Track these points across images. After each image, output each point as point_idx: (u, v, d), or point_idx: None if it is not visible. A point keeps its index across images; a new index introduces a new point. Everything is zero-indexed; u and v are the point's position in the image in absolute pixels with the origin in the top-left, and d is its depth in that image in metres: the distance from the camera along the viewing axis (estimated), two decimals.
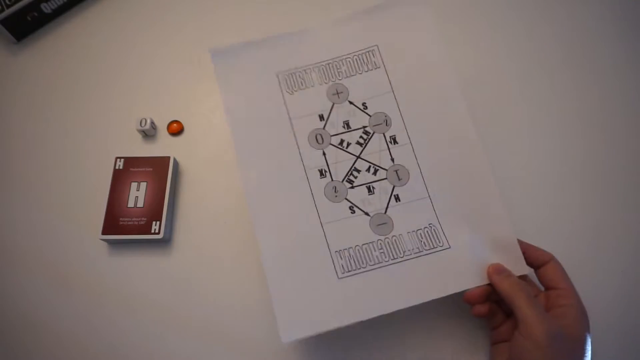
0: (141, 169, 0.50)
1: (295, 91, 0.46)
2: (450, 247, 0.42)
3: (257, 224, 0.42)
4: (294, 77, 0.46)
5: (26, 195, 0.51)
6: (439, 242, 0.42)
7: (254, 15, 0.61)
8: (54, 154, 0.53)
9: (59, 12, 0.61)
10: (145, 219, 0.47)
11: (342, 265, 0.41)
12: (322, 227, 0.42)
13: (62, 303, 0.47)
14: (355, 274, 0.41)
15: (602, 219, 0.49)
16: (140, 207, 0.48)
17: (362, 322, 0.39)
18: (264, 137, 0.45)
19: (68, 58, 0.58)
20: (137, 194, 0.49)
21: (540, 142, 0.52)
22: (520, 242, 0.42)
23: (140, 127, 0.52)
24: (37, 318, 0.46)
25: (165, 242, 0.49)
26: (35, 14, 0.58)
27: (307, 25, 0.47)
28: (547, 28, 0.58)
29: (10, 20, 0.57)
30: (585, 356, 0.37)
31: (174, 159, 0.51)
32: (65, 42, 0.59)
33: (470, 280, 0.41)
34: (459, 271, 0.41)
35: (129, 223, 0.47)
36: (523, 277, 0.41)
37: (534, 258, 0.41)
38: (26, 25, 0.59)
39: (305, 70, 0.46)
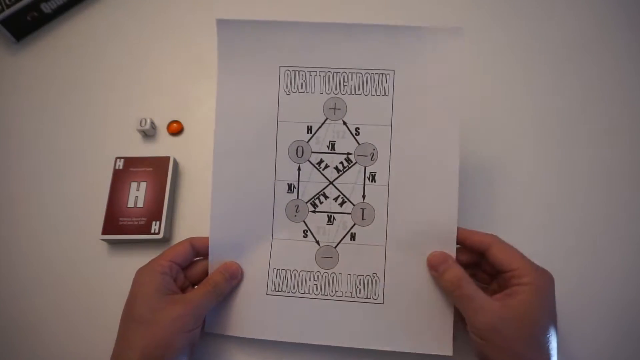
0: (141, 169, 0.50)
1: (293, 92, 0.43)
2: (383, 304, 0.41)
3: (213, 223, 0.43)
4: (297, 77, 0.43)
5: (26, 195, 0.51)
6: (374, 295, 0.41)
7: (259, 14, 0.61)
8: (53, 153, 0.53)
9: (59, 12, 0.61)
10: (145, 219, 0.47)
11: (275, 283, 0.42)
12: (271, 242, 0.43)
13: (62, 303, 0.47)
14: (282, 296, 0.42)
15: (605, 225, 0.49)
16: (140, 207, 0.48)
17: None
18: (246, 131, 0.43)
19: (68, 58, 0.58)
20: (137, 194, 0.49)
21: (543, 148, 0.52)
22: (460, 229, 0.40)
23: (140, 127, 0.52)
24: (37, 318, 0.46)
25: (165, 242, 0.49)
26: (35, 14, 0.58)
27: (328, 18, 0.42)
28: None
29: (10, 20, 0.57)
30: (544, 333, 0.36)
31: (174, 159, 0.51)
32: (65, 42, 0.59)
33: (391, 342, 0.40)
34: (382, 330, 0.40)
35: (129, 223, 0.47)
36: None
37: (474, 242, 0.40)
38: (26, 25, 0.59)
39: (310, 72, 0.42)
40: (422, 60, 0.41)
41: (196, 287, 0.42)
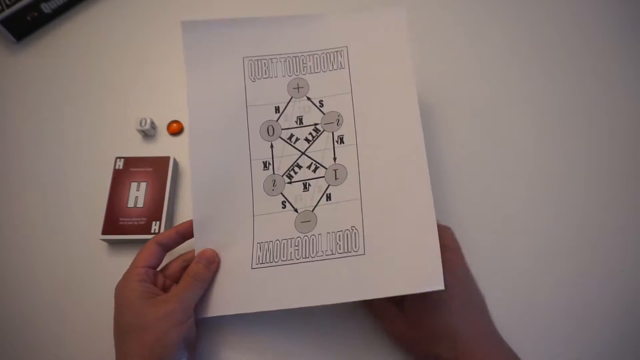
0: (141, 169, 0.50)
1: (258, 79, 0.46)
2: (364, 254, 0.40)
3: (195, 206, 0.44)
4: (259, 65, 0.47)
5: (26, 195, 0.51)
6: (355, 247, 0.41)
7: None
8: (54, 153, 0.53)
9: (59, 12, 0.61)
10: (145, 219, 0.48)
11: (259, 257, 0.43)
12: (253, 218, 0.44)
13: (62, 303, 0.47)
14: (266, 267, 0.42)
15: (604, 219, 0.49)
16: (140, 207, 0.48)
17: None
18: (219, 120, 0.46)
19: (68, 58, 0.58)
20: (137, 194, 0.49)
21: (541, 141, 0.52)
22: None
23: (140, 127, 0.52)
24: (37, 318, 0.46)
25: None
26: (35, 14, 0.58)
27: (282, 13, 0.47)
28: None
29: (10, 20, 0.57)
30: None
31: (174, 159, 0.51)
32: (65, 42, 0.59)
33: (376, 289, 0.39)
34: (368, 279, 0.40)
35: (129, 223, 0.47)
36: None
37: None
38: (26, 25, 0.59)
39: (271, 59, 0.47)
40: (370, 35, 0.46)
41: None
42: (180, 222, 0.45)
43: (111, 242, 0.49)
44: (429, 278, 0.37)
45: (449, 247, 0.39)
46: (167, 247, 0.44)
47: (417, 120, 0.42)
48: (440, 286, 0.37)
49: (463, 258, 0.40)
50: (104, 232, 0.47)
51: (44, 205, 0.51)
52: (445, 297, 0.37)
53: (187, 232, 0.44)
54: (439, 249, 0.38)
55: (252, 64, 0.47)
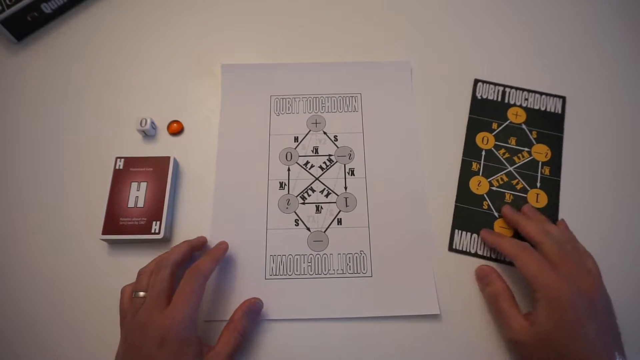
0: (141, 169, 0.50)
1: (282, 114, 0.53)
2: (371, 277, 0.46)
3: (215, 215, 0.49)
4: (284, 102, 0.54)
5: (26, 195, 0.51)
6: (363, 270, 0.46)
7: (254, 14, 0.61)
8: (53, 153, 0.53)
9: (59, 12, 0.61)
10: (145, 219, 0.48)
11: (272, 268, 0.47)
12: (266, 232, 0.48)
13: (62, 303, 0.47)
14: (279, 279, 0.46)
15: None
16: (141, 207, 0.48)
17: None
18: (244, 143, 0.52)
19: (68, 58, 0.58)
20: (137, 194, 0.49)
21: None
22: (491, 235, 0.46)
23: (140, 127, 0.52)
24: (37, 318, 0.46)
25: (165, 242, 0.49)
26: (36, 14, 0.58)
27: (306, 57, 0.56)
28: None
29: (10, 20, 0.57)
30: (566, 349, 0.37)
31: (174, 159, 0.51)
32: (65, 42, 0.59)
33: (381, 309, 0.45)
34: (373, 299, 0.45)
35: (129, 223, 0.47)
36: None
37: (502, 251, 0.44)
38: (26, 25, 0.59)
39: (294, 98, 0.54)
40: (381, 85, 0.54)
41: (222, 334, 0.42)
42: (194, 238, 0.46)
43: (111, 242, 0.49)
44: (426, 303, 0.45)
45: (591, 271, 0.41)
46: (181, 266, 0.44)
47: (418, 161, 0.51)
48: (436, 311, 0.44)
49: (602, 284, 0.40)
50: (104, 232, 0.47)
51: (44, 206, 0.51)
52: (583, 320, 0.36)
53: (200, 248, 0.46)
54: (433, 277, 0.46)
55: (278, 101, 0.54)
